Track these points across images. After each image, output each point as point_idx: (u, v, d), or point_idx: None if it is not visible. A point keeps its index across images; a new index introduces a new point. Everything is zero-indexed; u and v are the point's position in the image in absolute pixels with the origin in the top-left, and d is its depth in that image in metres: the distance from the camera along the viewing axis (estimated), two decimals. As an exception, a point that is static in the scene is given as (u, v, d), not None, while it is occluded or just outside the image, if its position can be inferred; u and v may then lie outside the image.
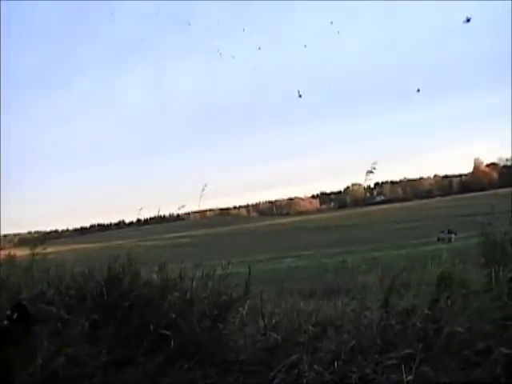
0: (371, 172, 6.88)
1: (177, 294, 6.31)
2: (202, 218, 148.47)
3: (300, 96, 21.65)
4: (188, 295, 6.38)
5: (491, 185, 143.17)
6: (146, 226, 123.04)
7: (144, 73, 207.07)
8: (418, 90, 28.94)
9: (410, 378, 4.33)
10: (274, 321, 6.38)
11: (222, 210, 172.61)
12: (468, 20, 16.48)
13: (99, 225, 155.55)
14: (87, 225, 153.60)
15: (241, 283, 6.88)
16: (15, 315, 4.56)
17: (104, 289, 6.42)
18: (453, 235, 40.68)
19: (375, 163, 6.81)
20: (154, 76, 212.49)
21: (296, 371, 5.02)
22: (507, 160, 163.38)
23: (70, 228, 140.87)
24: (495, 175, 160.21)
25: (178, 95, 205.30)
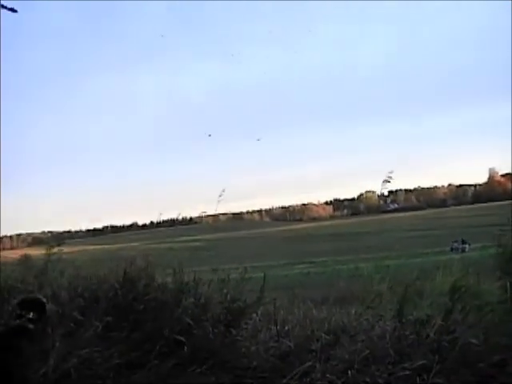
0: (388, 181, 6.81)
1: (191, 300, 6.31)
2: (215, 222, 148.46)
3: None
4: (202, 300, 6.38)
5: (506, 195, 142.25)
6: (159, 229, 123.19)
7: (158, 73, 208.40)
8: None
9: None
10: (286, 328, 6.37)
11: (234, 214, 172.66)
12: None
13: (112, 226, 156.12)
14: (100, 226, 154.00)
15: (254, 289, 6.87)
16: (32, 314, 4.55)
17: (118, 291, 6.43)
18: (466, 245, 40.51)
19: (391, 172, 6.76)
20: (168, 77, 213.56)
21: (308, 379, 5.01)
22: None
23: (83, 229, 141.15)
24: (510, 185, 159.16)
25: (191, 97, 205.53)
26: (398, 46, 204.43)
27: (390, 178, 6.84)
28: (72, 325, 5.95)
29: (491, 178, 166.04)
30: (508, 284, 5.64)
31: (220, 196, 8.00)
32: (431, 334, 5.22)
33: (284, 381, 5.09)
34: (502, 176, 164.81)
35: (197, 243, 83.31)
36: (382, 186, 6.95)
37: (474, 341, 4.90)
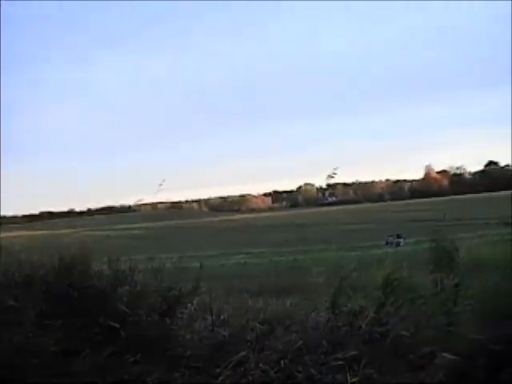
0: (332, 177, 6.86)
1: (127, 287, 6.25)
2: (154, 211, 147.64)
3: None
4: (138, 288, 6.33)
5: (441, 191, 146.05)
6: (97, 216, 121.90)
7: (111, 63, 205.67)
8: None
9: (355, 379, 4.38)
10: (222, 317, 6.39)
11: (173, 203, 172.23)
12: None
13: (49, 212, 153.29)
14: (36, 212, 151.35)
15: (191, 278, 6.87)
16: None
17: (53, 278, 6.34)
18: (401, 240, 41.21)
19: (336, 168, 6.80)
20: (123, 70, 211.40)
21: (242, 369, 5.03)
22: (457, 168, 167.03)
23: (19, 214, 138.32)
24: (445, 182, 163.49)
25: (139, 88, 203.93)
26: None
27: (335, 173, 6.91)
28: (5, 312, 5.84)
29: (427, 174, 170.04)
30: (439, 278, 5.78)
31: (160, 185, 7.93)
32: (364, 326, 5.31)
33: (218, 370, 5.11)
34: (438, 173, 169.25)
35: (135, 231, 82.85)
36: (326, 180, 7.01)
37: (404, 333, 5.00)
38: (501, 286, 5.15)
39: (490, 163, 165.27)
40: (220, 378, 4.95)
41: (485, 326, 4.65)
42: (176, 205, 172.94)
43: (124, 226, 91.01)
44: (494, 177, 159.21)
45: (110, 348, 5.43)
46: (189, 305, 6.49)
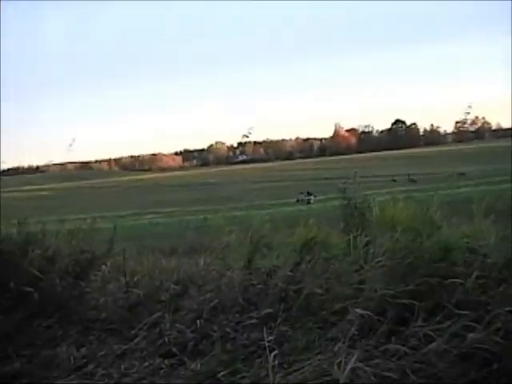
0: (247, 136, 6.89)
1: (38, 251, 6.12)
2: (63, 171, 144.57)
3: None
4: (50, 252, 6.21)
5: (350, 149, 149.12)
6: (3, 177, 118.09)
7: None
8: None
9: (271, 337, 4.44)
10: (135, 278, 6.38)
11: (83, 163, 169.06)
12: None
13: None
14: None
15: (104, 240, 6.80)
16: None
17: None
18: (312, 197, 41.97)
19: (251, 128, 6.82)
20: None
21: (158, 329, 5.05)
22: (366, 126, 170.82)
23: None
24: (354, 140, 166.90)
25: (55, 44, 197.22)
26: None
27: (250, 133, 6.92)
28: None
29: (336, 132, 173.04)
30: (351, 236, 5.90)
31: (70, 145, 7.74)
32: (279, 284, 5.38)
33: (133, 332, 5.11)
34: (347, 131, 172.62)
35: (43, 192, 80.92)
36: (241, 139, 7.02)
37: (318, 290, 5.10)
38: (407, 243, 5.31)
39: (397, 122, 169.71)
40: (136, 340, 4.94)
41: (393, 282, 4.81)
42: (85, 165, 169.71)
43: (32, 187, 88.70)
44: (399, 135, 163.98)
45: (22, 313, 5.33)
46: (102, 267, 6.44)
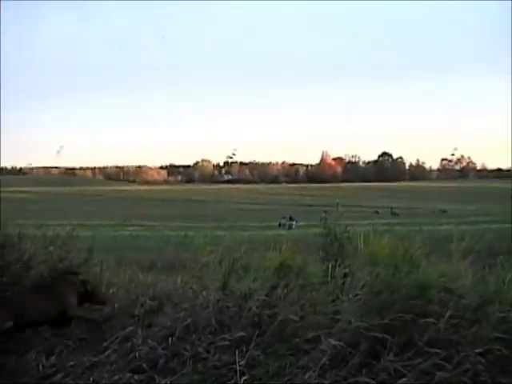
0: (231, 157, 6.94)
1: (15, 255, 6.08)
2: (46, 175, 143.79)
3: None
4: (26, 257, 6.17)
5: (335, 178, 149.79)
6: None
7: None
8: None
9: (242, 361, 4.44)
10: (111, 291, 6.35)
11: (67, 169, 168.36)
12: None
13: None
14: None
15: (82, 248, 6.77)
16: None
17: None
18: (294, 222, 41.94)
19: (235, 149, 6.86)
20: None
21: (129, 344, 5.02)
22: (352, 156, 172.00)
23: None
24: (340, 169, 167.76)
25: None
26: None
27: (234, 154, 6.95)
28: None
29: (323, 160, 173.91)
30: (330, 266, 5.92)
31: (58, 152, 7.73)
32: (253, 308, 5.37)
33: (104, 344, 5.08)
34: (334, 159, 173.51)
35: (24, 195, 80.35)
36: (226, 159, 7.05)
37: (293, 317, 5.10)
38: (386, 277, 5.35)
39: (384, 154, 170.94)
40: (106, 353, 4.91)
41: (368, 315, 4.83)
42: (70, 171, 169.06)
43: (13, 189, 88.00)
44: (385, 167, 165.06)
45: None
46: (79, 276, 6.39)
